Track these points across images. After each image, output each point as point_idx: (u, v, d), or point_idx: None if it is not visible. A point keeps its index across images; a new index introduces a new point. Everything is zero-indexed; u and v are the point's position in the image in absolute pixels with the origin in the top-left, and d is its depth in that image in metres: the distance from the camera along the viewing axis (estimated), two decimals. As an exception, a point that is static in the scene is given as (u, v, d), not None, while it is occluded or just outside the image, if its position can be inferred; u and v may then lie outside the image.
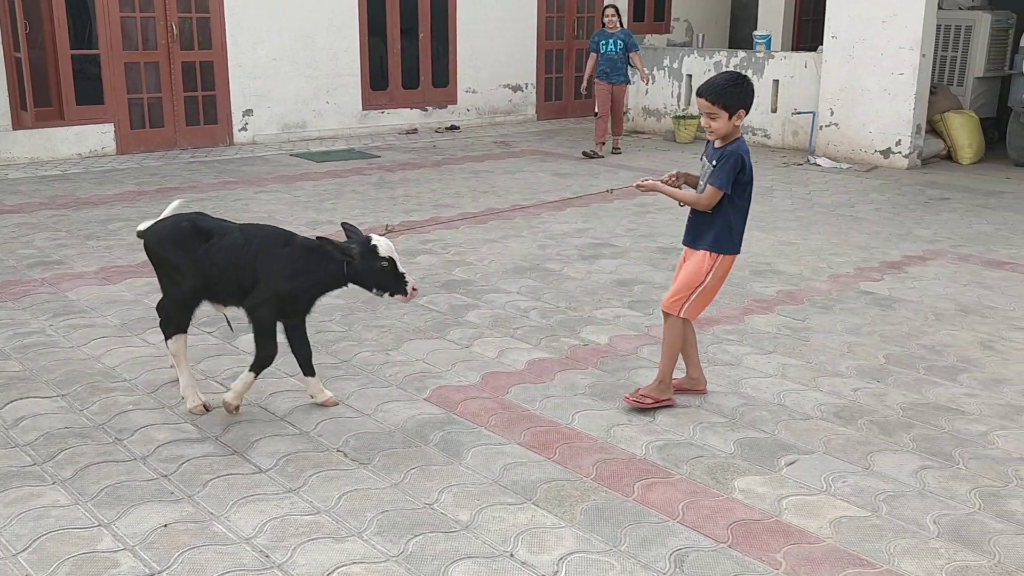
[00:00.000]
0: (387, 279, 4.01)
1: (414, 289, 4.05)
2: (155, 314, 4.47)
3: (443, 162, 11.13)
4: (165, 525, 3.27)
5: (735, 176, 3.99)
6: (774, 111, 12.13)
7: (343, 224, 4.25)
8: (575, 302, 5.83)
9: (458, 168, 10.74)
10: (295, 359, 4.21)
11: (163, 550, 3.12)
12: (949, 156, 11.26)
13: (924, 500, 3.51)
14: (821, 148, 11.34)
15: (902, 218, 8.34)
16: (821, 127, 11.35)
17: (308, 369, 4.23)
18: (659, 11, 16.34)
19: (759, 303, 5.87)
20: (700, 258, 4.15)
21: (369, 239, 3.99)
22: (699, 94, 4.02)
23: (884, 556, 3.14)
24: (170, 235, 4.06)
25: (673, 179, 4.24)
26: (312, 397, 4.29)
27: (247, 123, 12.06)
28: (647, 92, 13.45)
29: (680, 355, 4.35)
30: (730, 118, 3.96)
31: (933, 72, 11.30)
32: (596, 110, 11.59)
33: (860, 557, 3.14)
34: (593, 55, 11.48)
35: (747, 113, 4.00)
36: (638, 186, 4.26)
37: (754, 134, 12.38)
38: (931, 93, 11.00)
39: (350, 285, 4.11)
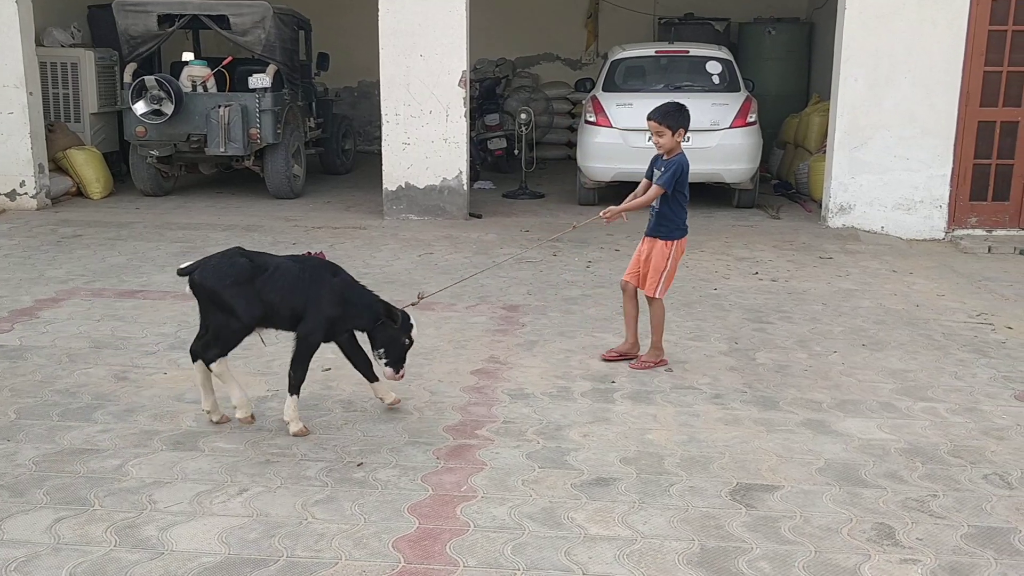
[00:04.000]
0: (400, 353, 4.51)
1: (403, 374, 4.60)
2: None
3: None
4: None
5: (676, 180, 5.19)
6: None
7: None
8: None
9: None
10: (357, 370, 4.63)
11: None
12: (80, 192, 11.26)
13: (59, 555, 3.38)
14: (-63, 195, 10.30)
15: (33, 261, 8.03)
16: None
17: (371, 376, 4.62)
18: None
19: None
20: (661, 248, 5.32)
21: (408, 316, 4.50)
22: (649, 118, 5.18)
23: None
24: (229, 271, 4.21)
25: (615, 212, 5.33)
26: (381, 399, 4.69)
27: None
28: None
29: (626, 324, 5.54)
30: (672, 135, 5.14)
31: (48, 110, 11.16)
32: None
33: (-10, 642, 2.87)
34: None
35: (686, 132, 5.21)
36: (603, 216, 5.33)
37: None
38: (49, 131, 10.85)
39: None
